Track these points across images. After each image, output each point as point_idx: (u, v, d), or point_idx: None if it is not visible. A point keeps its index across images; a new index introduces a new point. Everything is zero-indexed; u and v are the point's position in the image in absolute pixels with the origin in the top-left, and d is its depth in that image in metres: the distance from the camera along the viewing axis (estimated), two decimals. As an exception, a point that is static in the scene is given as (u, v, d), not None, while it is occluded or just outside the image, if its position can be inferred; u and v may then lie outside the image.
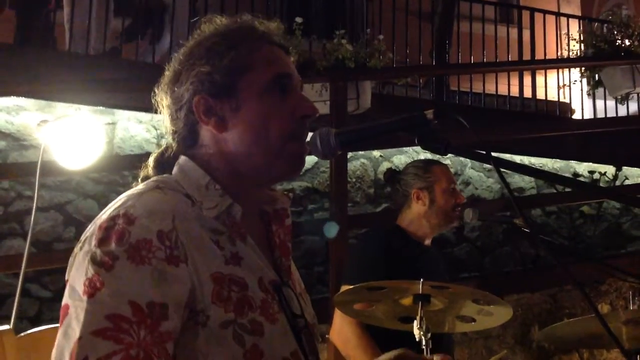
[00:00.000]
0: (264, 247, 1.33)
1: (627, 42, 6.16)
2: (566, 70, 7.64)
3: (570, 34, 7.02)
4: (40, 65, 5.41)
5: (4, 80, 5.12)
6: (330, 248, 4.61)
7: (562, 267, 1.23)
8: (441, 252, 3.37)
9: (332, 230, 4.41)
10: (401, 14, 7.16)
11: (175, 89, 1.34)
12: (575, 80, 7.24)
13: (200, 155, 1.32)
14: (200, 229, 1.22)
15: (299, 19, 5.42)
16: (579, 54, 6.51)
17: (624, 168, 6.89)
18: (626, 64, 6.23)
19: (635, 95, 6.78)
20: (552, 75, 7.85)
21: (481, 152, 1.27)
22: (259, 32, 1.36)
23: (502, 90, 7.41)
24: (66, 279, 1.19)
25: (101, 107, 5.65)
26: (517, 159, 6.79)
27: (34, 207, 3.35)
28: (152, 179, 1.31)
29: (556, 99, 7.53)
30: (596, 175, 6.85)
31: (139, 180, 1.35)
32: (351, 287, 2.52)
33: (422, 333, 2.18)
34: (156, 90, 1.38)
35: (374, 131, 1.34)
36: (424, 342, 2.18)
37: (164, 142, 1.40)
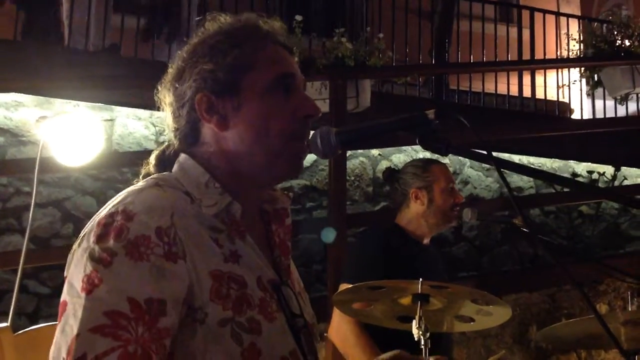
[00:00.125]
0: (263, 247, 1.33)
1: (627, 43, 6.16)
2: (565, 70, 7.65)
3: (570, 33, 7.02)
4: (39, 61, 5.41)
5: (2, 76, 5.11)
6: (329, 246, 4.61)
7: (560, 267, 1.22)
8: (440, 251, 3.37)
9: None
10: (401, 12, 7.16)
11: (178, 86, 1.33)
12: (575, 80, 7.24)
13: (201, 154, 1.32)
14: (199, 226, 1.22)
15: (298, 17, 5.42)
16: (578, 54, 6.51)
17: (623, 168, 6.89)
18: (626, 64, 6.23)
19: (635, 96, 6.78)
20: (551, 74, 7.86)
21: (482, 152, 1.26)
22: (263, 31, 1.36)
23: (502, 89, 7.41)
24: (65, 275, 1.19)
25: (100, 104, 5.65)
26: (516, 158, 6.79)
27: (33, 203, 3.34)
28: (151, 177, 1.30)
29: (555, 99, 7.53)
30: (595, 175, 6.85)
31: (140, 177, 1.35)
32: (350, 285, 2.52)
33: (420, 333, 2.18)
34: (159, 88, 1.38)
35: (375, 130, 1.34)
36: (422, 342, 2.18)
37: (162, 139, 1.40)
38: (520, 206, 3.48)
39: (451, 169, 5.61)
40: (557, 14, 8.02)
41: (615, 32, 6.26)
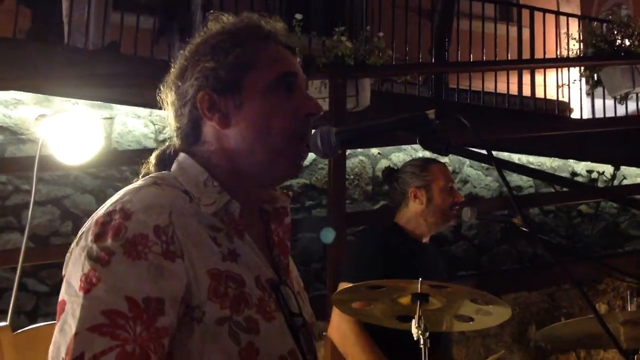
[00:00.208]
0: (262, 246, 1.33)
1: (626, 42, 6.16)
2: (565, 70, 7.65)
3: (569, 33, 7.01)
4: (38, 60, 5.41)
5: (1, 74, 5.11)
6: (328, 245, 4.61)
7: (559, 266, 1.22)
8: (439, 250, 3.37)
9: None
10: (401, 11, 7.16)
11: (180, 84, 1.34)
12: (575, 80, 7.24)
13: (201, 152, 1.32)
14: (198, 225, 1.21)
15: (298, 16, 5.41)
16: (578, 54, 6.51)
17: (622, 167, 6.90)
18: (626, 64, 6.23)
19: (635, 95, 6.78)
20: (551, 74, 7.86)
21: (482, 152, 1.26)
22: (265, 31, 1.36)
23: (501, 88, 7.41)
24: (63, 274, 1.19)
25: (99, 102, 5.64)
26: (516, 157, 6.79)
27: (32, 201, 3.34)
28: (150, 175, 1.30)
29: (555, 98, 7.53)
30: (594, 175, 6.86)
31: (140, 177, 1.35)
32: (349, 284, 2.52)
33: (420, 332, 2.18)
34: (161, 87, 1.38)
35: (375, 130, 1.33)
36: (421, 341, 2.18)
37: (162, 137, 1.40)
38: (520, 205, 3.48)
39: (450, 168, 5.61)
40: (557, 13, 8.02)
41: (615, 32, 6.26)
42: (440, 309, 2.33)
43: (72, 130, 3.42)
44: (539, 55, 7.88)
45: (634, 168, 7.07)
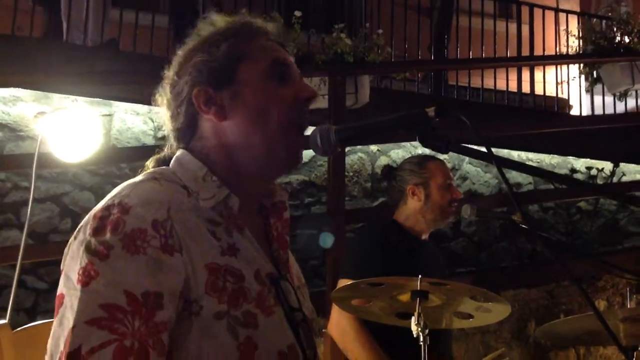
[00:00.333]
0: (261, 241, 1.33)
1: (626, 39, 6.16)
2: (565, 66, 7.64)
3: (569, 30, 7.01)
4: (37, 56, 5.40)
5: (0, 71, 5.10)
6: (327, 242, 4.61)
7: (559, 263, 1.22)
8: (438, 247, 3.37)
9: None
10: (400, 8, 7.14)
11: (175, 84, 1.35)
12: (574, 77, 7.24)
13: (199, 148, 1.32)
14: (197, 219, 1.21)
15: (297, 13, 5.40)
16: (577, 50, 6.50)
17: (622, 164, 6.90)
18: (625, 61, 6.23)
19: (634, 92, 6.79)
20: (550, 71, 7.85)
21: (482, 150, 1.26)
22: (255, 26, 1.38)
23: (501, 85, 7.40)
24: (61, 268, 1.19)
25: (98, 99, 5.63)
26: (515, 154, 6.79)
27: (31, 199, 3.34)
28: (148, 171, 1.31)
29: (554, 95, 7.53)
30: (594, 172, 6.86)
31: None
32: (349, 281, 2.52)
33: (419, 329, 2.18)
34: (158, 90, 1.39)
35: (374, 128, 1.33)
36: (421, 338, 2.18)
37: (161, 134, 1.41)
38: (519, 202, 3.48)
39: (450, 165, 5.61)
40: (557, 10, 8.00)
41: (615, 29, 6.26)
42: (440, 306, 2.33)
43: (71, 127, 3.42)
44: (538, 52, 7.87)
45: (633, 165, 7.07)
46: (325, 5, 7.31)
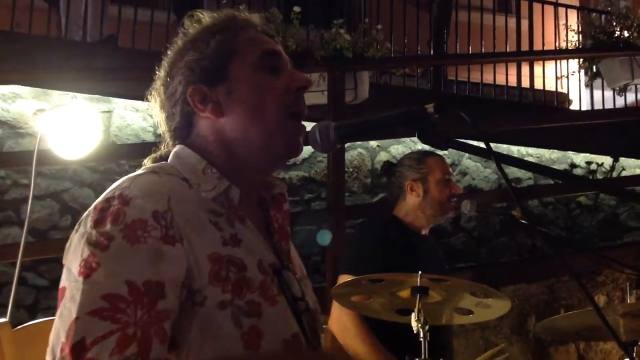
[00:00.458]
0: (262, 233, 1.33)
1: (625, 34, 6.15)
2: (564, 61, 7.63)
3: (568, 24, 7.00)
4: (36, 53, 5.39)
5: (-1, 68, 5.11)
6: (327, 238, 4.61)
7: (559, 259, 1.22)
8: (438, 242, 3.38)
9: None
10: (399, 3, 7.13)
11: (168, 84, 1.35)
12: (574, 71, 7.23)
13: (198, 144, 1.33)
14: (198, 210, 1.22)
15: (296, 8, 5.39)
16: (577, 45, 6.49)
17: (621, 159, 6.89)
18: (625, 56, 6.22)
19: (633, 87, 6.78)
20: (550, 65, 7.84)
21: (482, 147, 1.26)
22: (241, 20, 1.39)
23: (500, 80, 7.39)
24: (63, 262, 1.19)
25: (97, 96, 5.63)
26: (515, 149, 6.79)
27: (31, 196, 3.34)
28: (147, 166, 1.32)
29: (554, 90, 7.52)
30: (593, 166, 6.85)
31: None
32: (349, 277, 2.53)
33: (420, 325, 2.18)
34: (151, 91, 1.40)
35: (374, 125, 1.33)
36: (421, 334, 2.19)
37: (160, 131, 1.40)
38: (519, 197, 3.48)
39: (449, 160, 5.62)
40: (556, 5, 7.98)
41: (614, 23, 6.25)
42: (440, 302, 2.33)
43: (70, 124, 3.42)
44: (537, 46, 7.86)
45: (632, 159, 7.07)
46: (324, 0, 7.29)
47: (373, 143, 6.40)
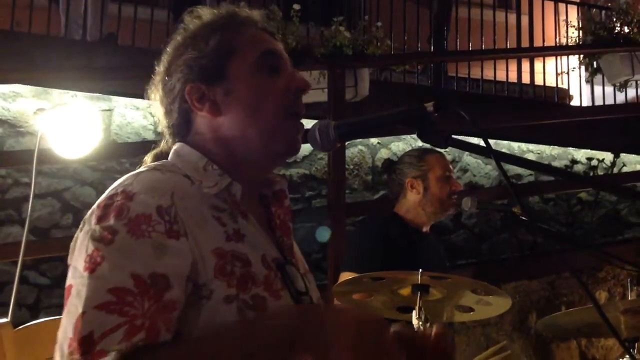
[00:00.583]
0: (265, 229, 1.33)
1: (626, 29, 6.14)
2: (565, 57, 7.62)
3: (569, 20, 6.99)
4: (36, 52, 5.39)
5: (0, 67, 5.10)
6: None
7: (560, 256, 1.22)
8: (439, 239, 3.38)
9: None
10: (399, 0, 7.12)
11: (167, 81, 1.35)
12: (574, 67, 7.22)
13: (196, 142, 1.33)
14: (201, 205, 1.22)
15: (296, 6, 5.38)
16: (577, 41, 6.48)
17: (622, 155, 6.89)
18: (625, 51, 6.21)
19: (634, 82, 6.77)
20: (550, 61, 7.83)
21: (481, 145, 1.26)
22: (241, 17, 1.38)
23: (501, 76, 7.38)
24: (69, 262, 1.18)
25: (98, 94, 5.62)
26: (515, 145, 6.78)
27: (32, 195, 3.34)
28: (149, 163, 1.33)
29: (554, 85, 7.51)
30: (594, 162, 6.84)
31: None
32: (351, 274, 2.53)
33: (420, 323, 2.18)
34: (151, 87, 1.40)
35: (373, 124, 1.33)
36: (422, 332, 2.18)
37: (161, 129, 1.40)
38: (520, 194, 3.49)
39: (450, 157, 5.59)
40: (556, 1, 7.96)
41: (615, 19, 6.24)
42: (441, 300, 2.33)
43: (71, 123, 3.42)
44: (538, 42, 7.85)
45: (633, 155, 7.06)
46: (324, -2, 7.27)
47: (374, 140, 6.40)
